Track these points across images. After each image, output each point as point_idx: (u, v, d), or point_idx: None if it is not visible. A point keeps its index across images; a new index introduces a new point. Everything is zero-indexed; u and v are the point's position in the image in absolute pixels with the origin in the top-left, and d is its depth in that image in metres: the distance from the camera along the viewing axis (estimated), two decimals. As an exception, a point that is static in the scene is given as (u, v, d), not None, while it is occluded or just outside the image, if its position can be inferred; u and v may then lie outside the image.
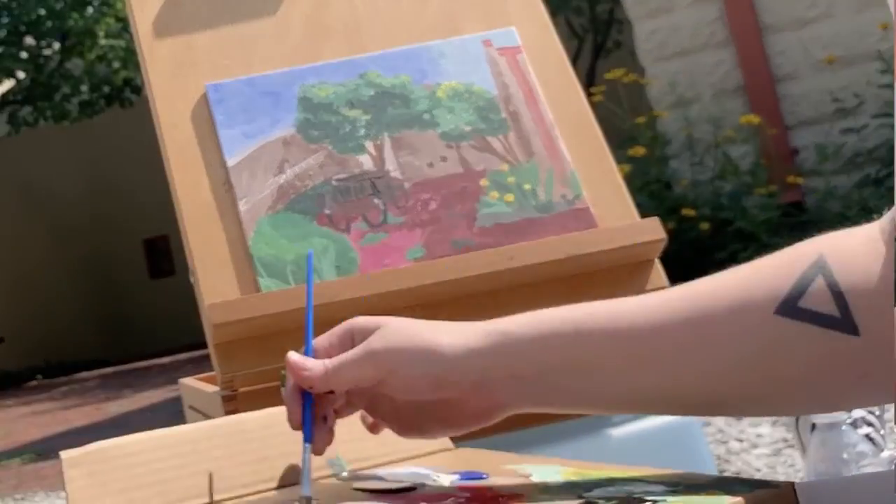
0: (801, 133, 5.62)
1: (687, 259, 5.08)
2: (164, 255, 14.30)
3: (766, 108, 5.63)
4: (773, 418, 2.68)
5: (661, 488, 0.77)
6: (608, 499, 0.74)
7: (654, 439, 1.39)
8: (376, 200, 1.40)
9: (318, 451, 0.89)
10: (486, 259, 1.33)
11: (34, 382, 12.04)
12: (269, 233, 1.36)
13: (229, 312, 1.27)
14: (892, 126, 5.08)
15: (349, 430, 0.95)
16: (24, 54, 12.22)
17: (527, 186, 1.41)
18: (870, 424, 1.71)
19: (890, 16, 5.12)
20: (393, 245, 1.36)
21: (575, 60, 9.17)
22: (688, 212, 5.14)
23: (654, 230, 1.37)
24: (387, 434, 0.93)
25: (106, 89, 12.94)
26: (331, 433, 0.90)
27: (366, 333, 0.91)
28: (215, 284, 1.33)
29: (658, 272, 1.39)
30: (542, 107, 1.48)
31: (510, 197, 1.41)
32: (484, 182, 1.41)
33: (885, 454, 1.62)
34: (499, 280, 1.33)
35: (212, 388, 1.47)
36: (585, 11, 9.62)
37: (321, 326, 1.32)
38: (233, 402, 1.31)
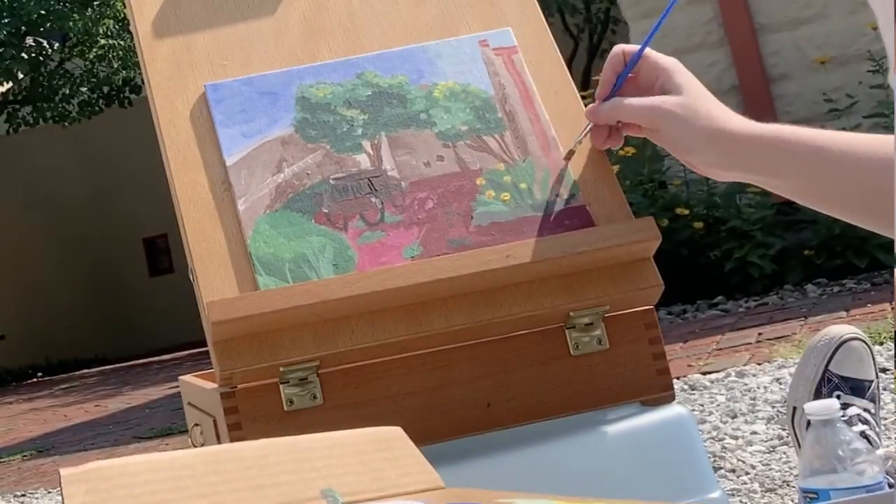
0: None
1: (681, 257, 5.09)
2: (163, 254, 14.31)
3: (761, 108, 5.63)
4: (768, 416, 2.69)
5: None
6: None
7: (649, 437, 1.40)
8: (374, 199, 1.41)
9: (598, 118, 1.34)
10: (482, 257, 1.34)
11: (34, 380, 12.04)
12: (267, 231, 1.37)
13: (228, 310, 1.28)
14: (886, 126, 5.09)
15: (342, 462, 0.96)
16: (24, 55, 12.21)
17: (523, 185, 1.42)
18: (865, 422, 1.72)
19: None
20: (390, 243, 1.38)
21: (571, 61, 9.17)
22: (681, 211, 5.15)
23: (649, 229, 1.38)
24: (378, 469, 0.95)
25: (105, 89, 12.94)
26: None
27: (667, 84, 1.28)
28: (214, 282, 1.34)
29: (653, 271, 1.41)
30: (538, 106, 1.49)
31: (506, 196, 1.42)
32: (480, 181, 1.43)
33: (880, 451, 1.63)
34: (495, 278, 1.35)
35: (211, 385, 1.49)
36: (581, 11, 9.62)
37: (319, 324, 1.33)
38: (231, 399, 1.32)
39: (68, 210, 14.52)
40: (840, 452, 1.38)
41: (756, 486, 2.17)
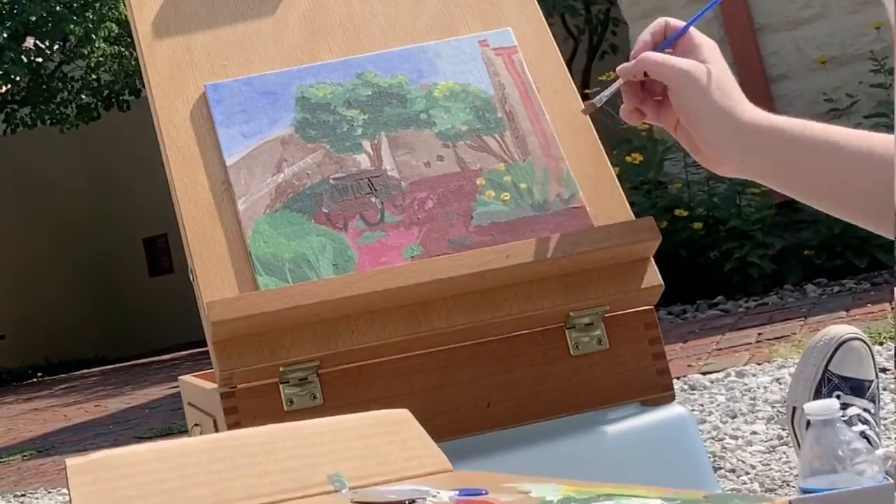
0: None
1: (681, 258, 5.09)
2: (163, 254, 14.30)
3: (761, 108, 5.63)
4: (768, 416, 2.69)
5: (657, 503, 0.78)
6: None
7: (649, 437, 1.40)
8: (373, 199, 1.41)
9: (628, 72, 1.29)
10: (482, 257, 1.34)
11: (34, 379, 12.04)
12: (267, 231, 1.37)
13: (228, 310, 1.28)
14: (886, 126, 5.09)
15: (349, 446, 0.96)
16: (23, 57, 12.20)
17: (523, 185, 1.42)
18: (865, 422, 1.72)
19: (883, 16, 5.13)
20: (390, 243, 1.38)
21: (571, 61, 9.17)
22: (680, 212, 5.15)
23: (648, 229, 1.38)
24: (385, 453, 0.95)
25: (105, 93, 12.93)
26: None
27: (697, 53, 1.28)
28: (214, 282, 1.34)
29: (653, 270, 1.41)
30: (538, 106, 1.49)
31: (506, 196, 1.42)
32: (480, 181, 1.43)
33: (880, 451, 1.63)
34: (495, 278, 1.35)
35: (211, 385, 1.49)
36: (581, 13, 9.61)
37: (319, 324, 1.34)
38: (231, 399, 1.32)
39: (68, 210, 14.52)
40: (840, 453, 1.38)
41: (756, 486, 2.16)
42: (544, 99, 1.50)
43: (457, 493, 0.89)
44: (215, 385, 1.38)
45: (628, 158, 5.28)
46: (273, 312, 1.29)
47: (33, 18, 11.66)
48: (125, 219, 14.48)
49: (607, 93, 1.34)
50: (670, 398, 1.42)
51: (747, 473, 2.29)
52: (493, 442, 1.36)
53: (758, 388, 3.05)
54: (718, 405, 2.93)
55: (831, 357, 1.75)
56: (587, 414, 1.40)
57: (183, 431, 4.39)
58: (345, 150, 1.44)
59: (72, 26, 11.81)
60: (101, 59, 12.44)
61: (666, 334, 3.22)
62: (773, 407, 2.79)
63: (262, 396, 1.33)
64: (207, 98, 1.47)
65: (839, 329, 1.79)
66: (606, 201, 1.43)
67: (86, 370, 11.64)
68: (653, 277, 1.40)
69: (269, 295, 1.30)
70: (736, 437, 2.56)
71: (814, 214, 5.17)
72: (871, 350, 1.79)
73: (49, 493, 3.91)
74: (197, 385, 1.65)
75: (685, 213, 5.17)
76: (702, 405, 2.97)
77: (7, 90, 12.50)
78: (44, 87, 12.46)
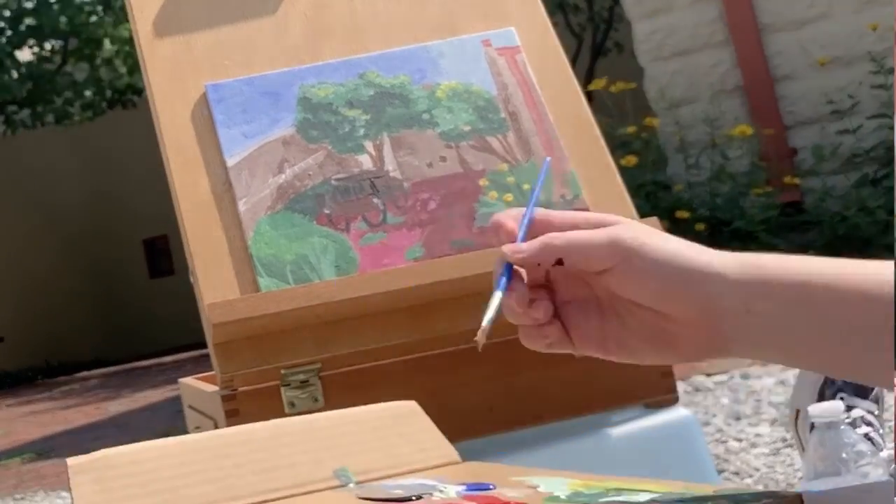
0: (799, 133, 5.63)
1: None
2: (163, 255, 14.30)
3: (765, 109, 5.63)
4: (772, 418, 2.68)
5: (667, 498, 0.77)
6: None
7: (653, 439, 1.40)
8: (376, 200, 1.40)
9: (511, 308, 0.88)
10: (485, 259, 1.33)
11: (34, 382, 12.04)
12: (268, 232, 1.36)
13: (229, 312, 1.27)
14: (890, 126, 5.08)
15: (356, 440, 0.95)
16: (25, 58, 12.22)
17: (526, 186, 1.41)
18: (869, 424, 1.71)
19: (887, 17, 5.12)
20: (392, 245, 1.37)
21: (574, 60, 9.17)
22: (682, 213, 5.14)
23: (652, 230, 1.37)
24: (392, 446, 0.93)
25: (109, 93, 12.95)
26: (529, 300, 0.88)
27: (601, 224, 0.87)
28: (215, 284, 1.33)
29: (657, 272, 1.40)
30: (542, 107, 1.48)
31: (509, 197, 1.41)
32: (483, 182, 1.42)
33: (884, 454, 1.62)
34: (498, 280, 1.33)
35: (211, 388, 1.48)
36: (584, 10, 9.62)
37: (321, 327, 1.33)
38: (232, 402, 1.31)
39: (68, 211, 14.53)
40: (844, 455, 1.37)
41: (760, 488, 2.16)
42: (548, 99, 1.49)
43: (464, 487, 0.88)
44: (216, 387, 1.37)
45: (623, 162, 5.28)
46: (274, 314, 1.28)
47: (35, 21, 11.67)
48: (125, 220, 14.48)
49: (491, 312, 0.91)
50: (674, 400, 1.41)
51: (751, 476, 2.28)
52: (496, 444, 1.35)
53: (762, 390, 3.04)
54: (722, 407, 2.93)
55: (835, 359, 1.73)
56: (591, 416, 1.39)
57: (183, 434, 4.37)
58: (347, 151, 1.43)
59: (74, 28, 11.83)
60: (107, 57, 12.46)
61: (669, 336, 3.21)
62: (777, 409, 2.78)
63: (264, 399, 1.32)
64: (208, 98, 1.46)
65: (844, 331, 1.78)
66: (610, 202, 1.42)
67: (86, 372, 11.64)
68: (657, 279, 1.39)
69: (270, 297, 1.29)
70: (740, 440, 2.55)
71: (818, 215, 5.17)
72: (875, 351, 1.77)
73: (48, 495, 3.90)
74: (197, 388, 1.65)
75: (686, 215, 5.16)
76: (706, 407, 2.96)
77: (8, 93, 12.51)
78: (46, 87, 12.47)
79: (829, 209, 5.13)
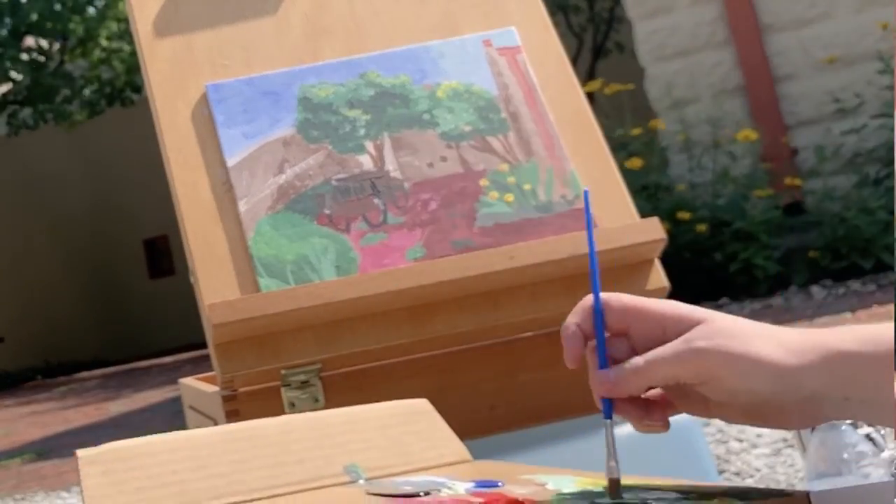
0: (800, 133, 5.63)
1: (686, 260, 5.08)
2: (163, 255, 14.30)
3: (766, 109, 5.63)
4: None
5: (674, 496, 0.77)
6: None
7: (654, 439, 1.39)
8: (376, 200, 1.40)
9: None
10: (486, 259, 1.33)
11: (34, 382, 12.04)
12: (268, 233, 1.36)
13: (229, 312, 1.27)
14: (891, 126, 5.08)
15: (366, 437, 0.95)
16: (24, 56, 12.22)
17: (527, 186, 1.41)
18: (870, 424, 1.71)
19: (891, 16, 5.12)
20: (393, 245, 1.37)
21: (575, 60, 9.17)
22: (683, 214, 5.14)
23: (653, 230, 1.37)
24: (403, 444, 0.93)
25: (108, 90, 12.95)
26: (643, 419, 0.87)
27: (682, 325, 0.83)
28: (215, 284, 1.33)
29: (658, 272, 1.39)
30: (542, 107, 1.48)
31: (510, 197, 1.41)
32: (484, 182, 1.41)
33: (886, 454, 1.62)
34: (499, 280, 1.33)
35: (212, 388, 1.48)
36: (585, 11, 9.62)
37: (321, 327, 1.32)
38: (233, 402, 1.31)
39: (68, 211, 14.53)
40: (845, 455, 1.37)
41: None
42: (548, 99, 1.48)
43: (473, 484, 0.88)
44: (216, 388, 1.37)
45: (628, 164, 5.28)
46: (275, 315, 1.28)
47: (34, 17, 11.67)
48: (126, 220, 14.48)
49: (610, 448, 0.86)
50: (676, 401, 1.41)
51: (752, 476, 2.28)
52: (497, 445, 1.35)
53: (762, 390, 3.04)
54: (723, 408, 2.92)
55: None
56: (592, 416, 1.39)
57: (184, 434, 4.37)
58: (347, 151, 1.43)
59: (72, 25, 11.83)
60: (102, 55, 12.46)
61: (669, 336, 3.21)
62: (777, 409, 2.78)
63: (264, 399, 1.32)
64: (208, 98, 1.46)
65: (844, 331, 1.77)
66: (611, 202, 1.42)
67: (86, 373, 11.64)
68: (658, 279, 1.39)
69: (270, 297, 1.29)
70: (741, 440, 2.55)
71: (819, 215, 5.17)
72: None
73: (48, 496, 3.90)
74: (198, 388, 1.64)
75: (688, 216, 5.16)
76: (706, 408, 2.96)
77: (9, 90, 12.51)
78: (45, 85, 12.47)
79: (829, 210, 5.13)
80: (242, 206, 1.38)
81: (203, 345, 1.42)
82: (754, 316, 4.59)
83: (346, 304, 1.30)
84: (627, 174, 5.32)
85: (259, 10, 1.55)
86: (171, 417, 5.23)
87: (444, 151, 1.44)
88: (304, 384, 1.31)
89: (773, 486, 2.17)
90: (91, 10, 12.11)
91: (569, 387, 1.38)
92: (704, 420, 2.81)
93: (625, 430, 1.41)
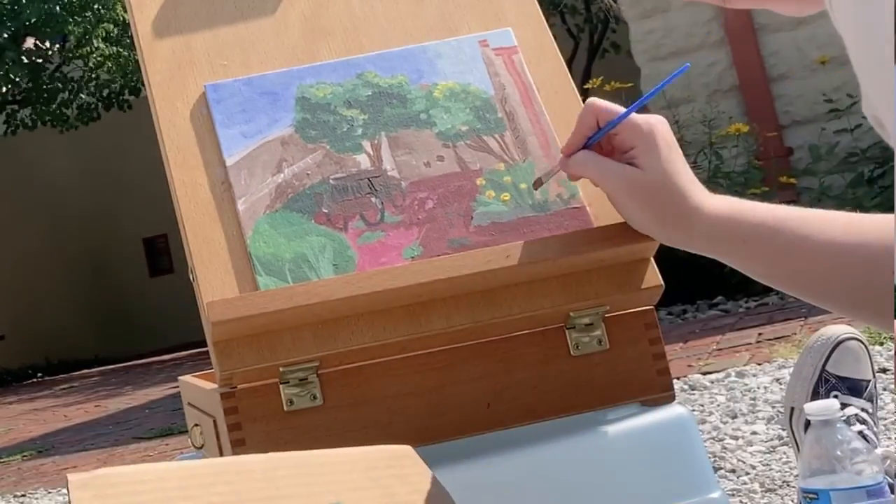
0: (795, 133, 5.63)
1: (681, 258, 5.08)
2: (163, 254, 14.31)
3: (761, 109, 5.64)
4: (768, 416, 2.70)
5: None
6: None
7: (649, 437, 1.40)
8: (374, 199, 1.41)
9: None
10: (482, 257, 1.34)
11: (34, 380, 12.03)
12: (267, 231, 1.37)
13: (228, 310, 1.28)
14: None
15: (351, 478, 0.96)
16: (23, 58, 12.21)
17: (523, 186, 1.42)
18: (863, 422, 1.72)
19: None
20: (390, 243, 1.38)
21: (571, 61, 9.17)
22: None
23: (648, 229, 1.38)
24: (388, 486, 0.95)
25: (104, 93, 12.94)
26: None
27: (639, 150, 1.29)
28: (214, 283, 1.34)
29: (653, 271, 1.41)
30: (539, 107, 1.49)
31: (506, 196, 1.42)
32: (480, 181, 1.43)
33: (879, 451, 1.63)
34: (495, 278, 1.34)
35: (211, 385, 1.49)
36: (581, 12, 9.62)
37: (319, 325, 1.33)
38: (231, 399, 1.32)
39: (68, 210, 14.52)
40: (839, 452, 1.38)
41: (756, 486, 2.17)
42: (544, 99, 1.50)
43: None
44: (215, 385, 1.38)
45: None
46: (273, 312, 1.29)
47: (33, 19, 11.66)
48: (125, 219, 14.49)
49: (552, 174, 1.40)
50: (670, 398, 1.42)
51: (747, 473, 2.29)
52: (493, 442, 1.36)
53: (758, 388, 3.05)
54: (719, 405, 2.93)
55: (828, 357, 1.75)
56: (587, 414, 1.40)
57: (183, 432, 4.39)
58: (345, 151, 1.44)
59: (70, 27, 11.82)
60: (99, 59, 12.45)
61: (666, 334, 3.22)
62: (773, 407, 2.79)
63: (263, 396, 1.33)
64: (207, 98, 1.47)
65: (836, 329, 1.79)
66: (606, 201, 1.43)
67: (86, 370, 11.64)
68: (653, 277, 1.40)
69: (269, 295, 1.30)
70: (736, 438, 2.56)
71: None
72: (867, 349, 1.79)
73: (49, 493, 3.91)
74: (197, 385, 1.66)
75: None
76: (702, 405, 2.97)
77: (7, 90, 12.50)
78: (44, 87, 12.46)
79: (824, 208, 5.14)
80: (241, 205, 1.39)
81: (202, 342, 1.43)
82: (750, 315, 4.60)
83: (343, 302, 1.31)
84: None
85: (258, 10, 1.56)
86: (170, 415, 5.24)
87: (441, 151, 1.45)
88: (302, 381, 1.32)
89: (767, 483, 2.18)
90: (88, 14, 12.09)
91: (564, 385, 1.40)
92: (700, 418, 2.82)
93: (621, 426, 1.43)
